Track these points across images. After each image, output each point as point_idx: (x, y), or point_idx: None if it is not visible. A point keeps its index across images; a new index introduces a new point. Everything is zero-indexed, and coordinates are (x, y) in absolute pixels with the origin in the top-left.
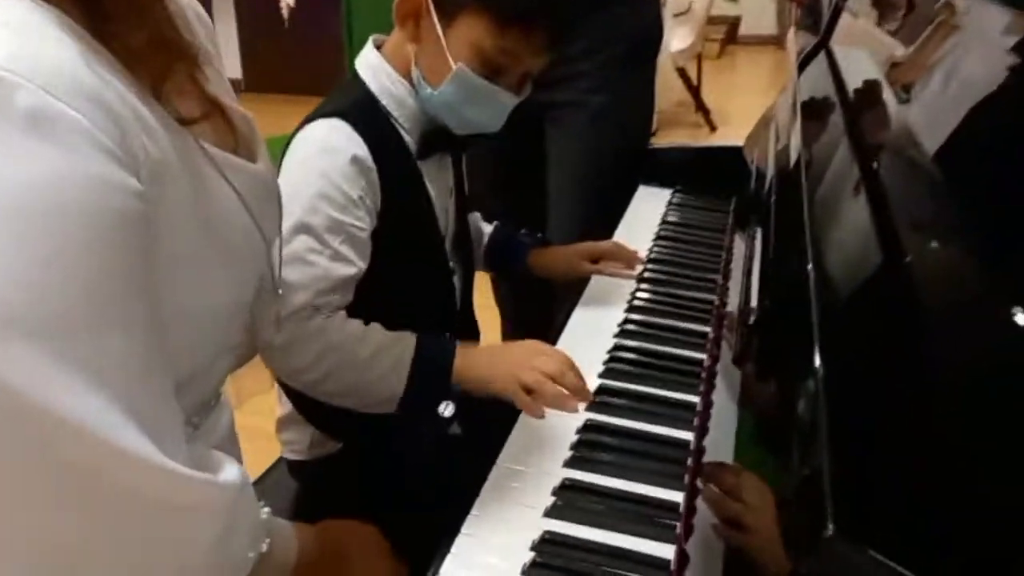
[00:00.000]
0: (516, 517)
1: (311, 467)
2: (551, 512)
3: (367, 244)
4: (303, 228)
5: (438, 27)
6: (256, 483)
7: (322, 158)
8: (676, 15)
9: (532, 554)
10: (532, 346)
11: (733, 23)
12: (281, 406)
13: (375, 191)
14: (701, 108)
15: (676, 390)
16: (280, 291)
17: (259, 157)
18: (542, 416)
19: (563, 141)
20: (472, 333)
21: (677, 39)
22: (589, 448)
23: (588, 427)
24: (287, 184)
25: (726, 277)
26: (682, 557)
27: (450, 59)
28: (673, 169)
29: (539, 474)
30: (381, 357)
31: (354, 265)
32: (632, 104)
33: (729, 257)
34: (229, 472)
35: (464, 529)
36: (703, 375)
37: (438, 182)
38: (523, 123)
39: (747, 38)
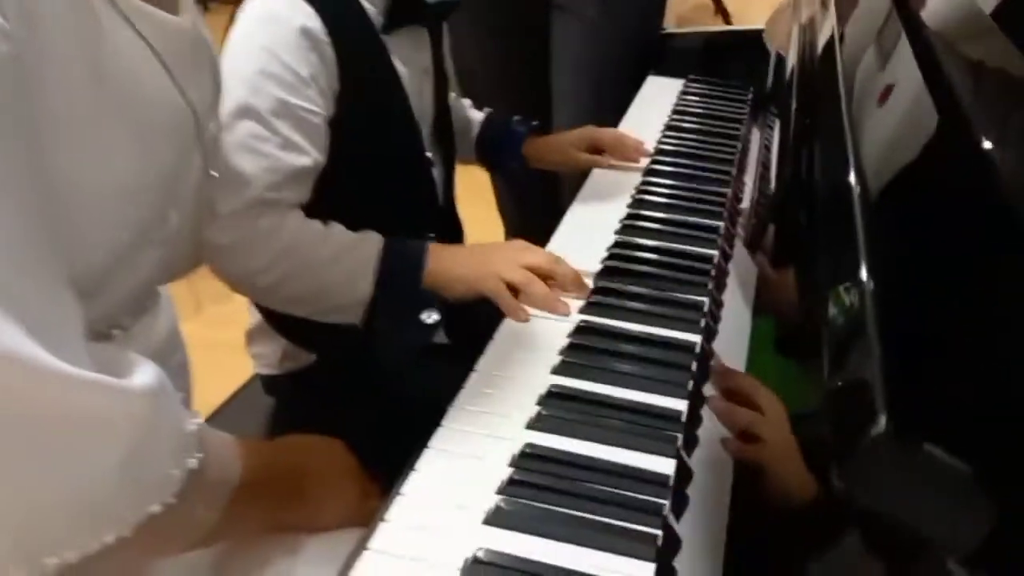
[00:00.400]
0: (494, 428)
1: (284, 382)
2: (534, 423)
3: (322, 132)
4: (246, 111)
5: None
6: (228, 402)
7: (264, 30)
8: None
9: (510, 470)
10: (517, 243)
11: None
12: (251, 316)
13: (330, 70)
14: (720, 10)
15: (682, 290)
16: (222, 181)
17: (183, 10)
18: (526, 319)
19: (568, 30)
20: (455, 234)
21: None
22: (581, 353)
23: (581, 330)
24: (228, 63)
25: (741, 170)
26: (683, 471)
27: None
28: (686, 58)
29: (522, 382)
30: (344, 258)
31: (307, 154)
32: None
33: (746, 148)
34: (143, 375)
35: (433, 442)
36: (713, 273)
37: (411, 61)
38: (528, 17)
39: None
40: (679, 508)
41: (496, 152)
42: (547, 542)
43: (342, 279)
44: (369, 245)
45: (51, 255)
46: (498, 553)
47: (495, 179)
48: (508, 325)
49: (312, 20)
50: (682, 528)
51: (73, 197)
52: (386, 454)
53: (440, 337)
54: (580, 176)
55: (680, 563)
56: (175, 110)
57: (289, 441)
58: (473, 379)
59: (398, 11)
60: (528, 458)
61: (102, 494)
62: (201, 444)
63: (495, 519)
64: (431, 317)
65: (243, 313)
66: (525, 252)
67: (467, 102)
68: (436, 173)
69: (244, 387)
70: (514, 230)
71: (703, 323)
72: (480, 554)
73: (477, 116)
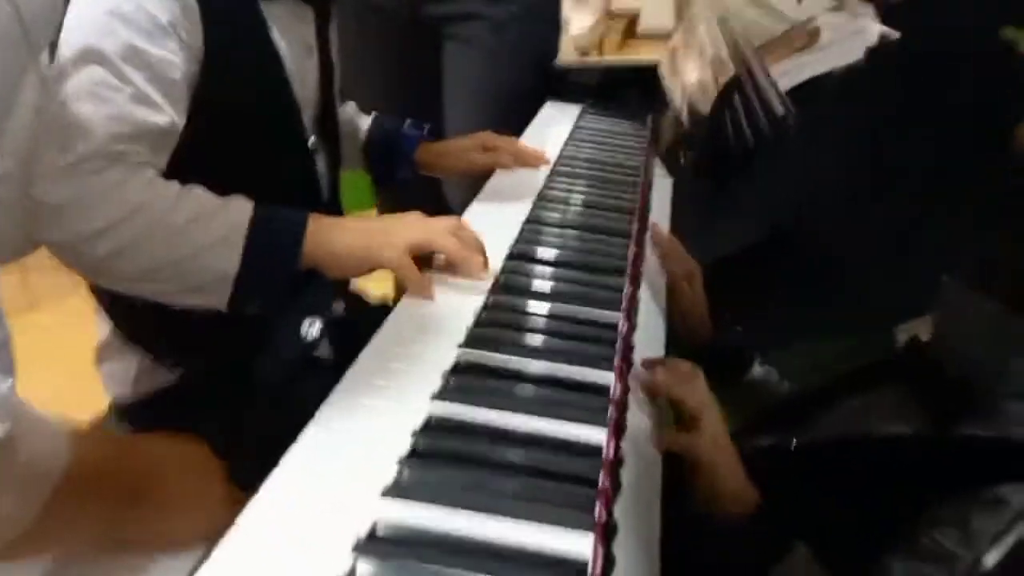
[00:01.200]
0: (392, 400)
1: (140, 408)
2: (441, 394)
3: (181, 89)
4: (93, 55)
5: None
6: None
7: None
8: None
9: (411, 440)
10: (413, 214)
11: (632, 18)
12: (100, 328)
13: (194, 24)
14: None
15: (599, 275)
16: (57, 130)
17: None
18: (431, 296)
19: (462, 53)
20: None
21: (576, 22)
22: (491, 328)
23: (489, 308)
24: (75, 3)
25: (647, 189)
26: (616, 447)
27: None
28: (582, 88)
29: (425, 358)
30: (206, 223)
31: (163, 112)
32: (538, 14)
33: (650, 168)
34: None
35: (317, 418)
36: (628, 269)
37: (292, 36)
38: (418, 35)
39: (647, 32)
40: (614, 488)
41: (386, 157)
42: (459, 513)
43: (202, 248)
44: (237, 210)
45: None
46: (400, 526)
47: (377, 187)
48: (405, 305)
49: None
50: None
51: None
52: (260, 466)
53: (324, 351)
54: (468, 188)
55: (617, 551)
56: None
57: (139, 438)
58: (365, 356)
59: None
60: (435, 430)
61: None
62: (12, 413)
63: (395, 490)
64: (313, 328)
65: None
66: (425, 219)
67: (351, 105)
68: (320, 166)
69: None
70: None
71: (623, 304)
72: (378, 528)
73: (363, 121)
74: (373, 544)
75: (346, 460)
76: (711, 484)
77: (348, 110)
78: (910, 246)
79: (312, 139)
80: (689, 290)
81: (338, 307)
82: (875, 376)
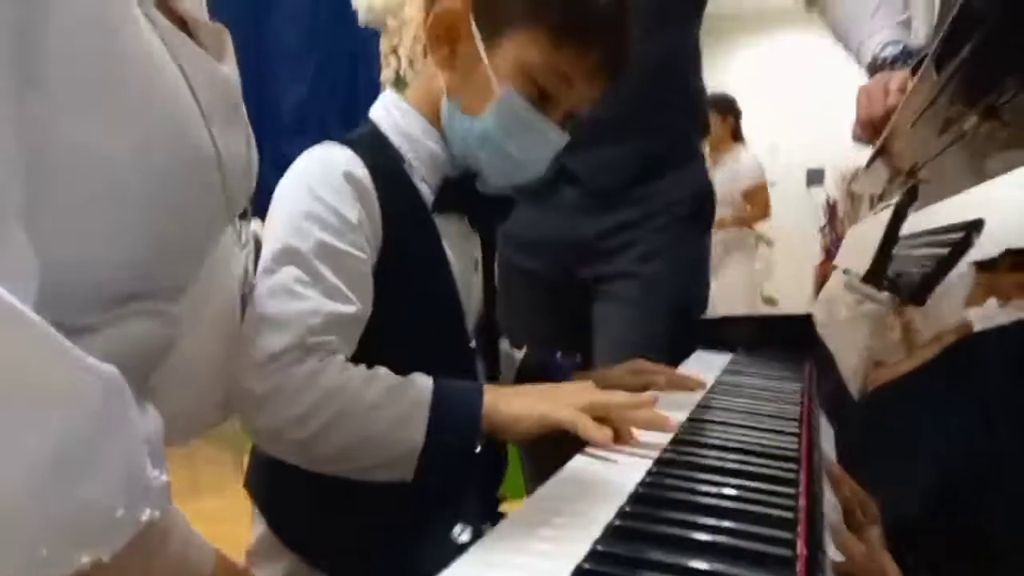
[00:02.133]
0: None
1: None
2: (606, 535)
3: (368, 280)
4: (290, 255)
5: (480, 47)
6: None
7: (313, 175)
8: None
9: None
10: (584, 383)
11: None
12: (255, 529)
13: (375, 220)
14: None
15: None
16: (261, 324)
17: (226, 63)
18: (610, 440)
19: (612, 310)
20: (497, 447)
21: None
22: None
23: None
24: (275, 205)
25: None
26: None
27: (495, 82)
28: (732, 340)
29: (588, 515)
30: (392, 401)
31: (352, 303)
32: (689, 270)
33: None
34: (104, 365)
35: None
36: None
37: (460, 249)
38: (569, 294)
39: None
40: None
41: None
42: None
43: (391, 424)
44: (419, 387)
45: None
46: None
47: None
48: (569, 470)
49: (359, 168)
50: None
51: (60, 161)
52: None
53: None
54: None
55: None
56: (199, 143)
57: None
58: (527, 506)
59: (451, 192)
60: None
61: (21, 493)
62: (165, 506)
63: None
64: (464, 534)
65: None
66: (594, 389)
67: (504, 340)
68: (479, 366)
69: None
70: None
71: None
72: None
73: (517, 353)
74: None
75: None
76: None
77: (502, 344)
78: None
79: (473, 343)
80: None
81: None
82: None
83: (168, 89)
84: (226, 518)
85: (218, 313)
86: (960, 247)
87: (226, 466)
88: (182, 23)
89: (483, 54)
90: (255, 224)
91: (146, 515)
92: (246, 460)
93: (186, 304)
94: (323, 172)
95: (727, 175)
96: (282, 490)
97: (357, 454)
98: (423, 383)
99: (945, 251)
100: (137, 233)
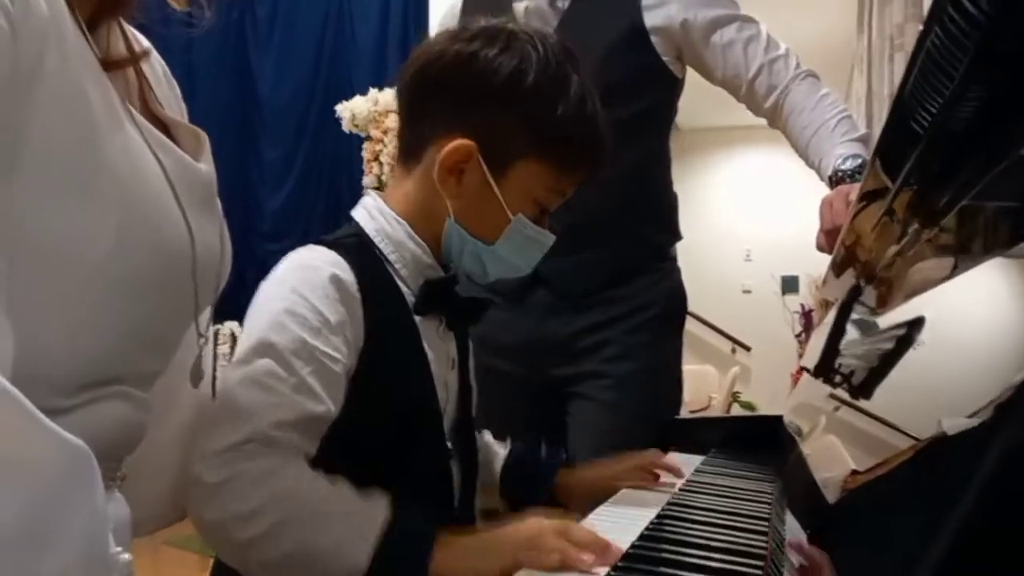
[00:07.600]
0: None
1: None
2: None
3: (341, 383)
4: (265, 348)
5: (491, 180)
6: None
7: (296, 274)
8: (692, 412)
9: None
10: (534, 523)
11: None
12: None
13: (357, 325)
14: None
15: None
16: (224, 413)
17: (203, 161)
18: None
19: (588, 409)
20: None
21: None
22: None
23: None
24: (256, 304)
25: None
26: None
27: (508, 211)
28: (705, 441)
29: None
30: (343, 521)
31: (322, 403)
32: (660, 370)
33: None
34: (73, 438)
35: None
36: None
37: (437, 349)
38: (542, 393)
39: None
40: None
41: (523, 486)
42: None
43: (337, 544)
44: (374, 510)
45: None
46: None
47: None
48: None
49: (346, 273)
50: None
51: (32, 248)
52: None
53: None
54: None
55: None
56: (176, 232)
57: None
58: None
59: (430, 294)
60: None
61: None
62: None
63: None
64: None
65: None
66: (544, 525)
67: (487, 432)
68: (454, 469)
69: None
70: None
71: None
72: None
73: (500, 449)
74: None
75: None
76: None
77: (485, 436)
78: None
79: (449, 445)
80: None
81: None
82: None
83: (147, 180)
84: None
85: (185, 404)
86: (902, 343)
87: (191, 568)
88: (163, 126)
89: (495, 187)
90: (232, 325)
91: None
92: (211, 563)
93: (156, 392)
94: (308, 273)
95: None
96: None
97: (299, 563)
98: (379, 507)
99: (889, 347)
100: (113, 322)
